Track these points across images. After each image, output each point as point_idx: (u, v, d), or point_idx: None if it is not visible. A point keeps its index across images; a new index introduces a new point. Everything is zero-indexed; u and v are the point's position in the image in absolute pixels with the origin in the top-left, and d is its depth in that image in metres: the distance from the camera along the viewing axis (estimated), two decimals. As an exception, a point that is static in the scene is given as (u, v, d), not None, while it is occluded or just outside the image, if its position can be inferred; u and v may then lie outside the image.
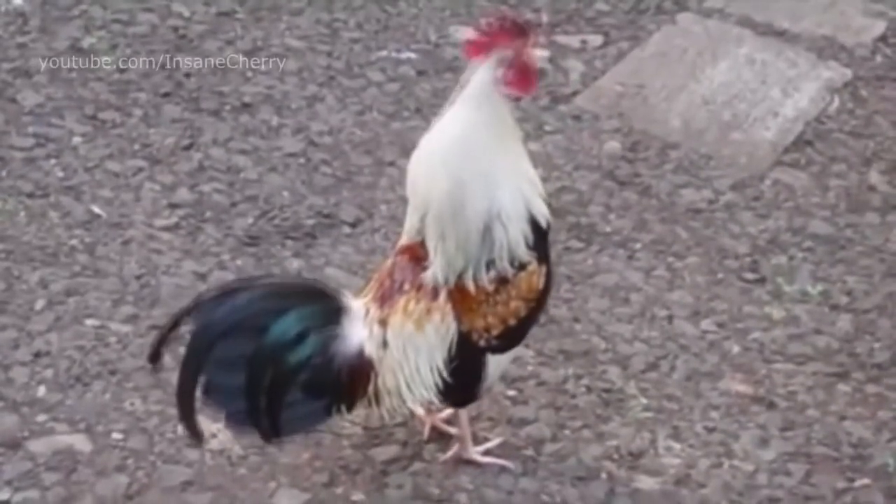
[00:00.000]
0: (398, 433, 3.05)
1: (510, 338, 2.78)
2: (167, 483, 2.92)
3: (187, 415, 2.64)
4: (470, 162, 2.62)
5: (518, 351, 2.90)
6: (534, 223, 2.69)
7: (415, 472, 2.97)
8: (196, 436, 2.70)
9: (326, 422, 2.83)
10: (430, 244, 2.69)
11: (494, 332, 2.74)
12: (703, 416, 3.16)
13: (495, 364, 2.80)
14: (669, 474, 3.02)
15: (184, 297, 3.26)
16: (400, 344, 2.71)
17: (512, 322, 2.75)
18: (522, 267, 2.71)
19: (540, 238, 2.72)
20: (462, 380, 2.77)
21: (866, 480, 3.03)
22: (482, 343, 2.74)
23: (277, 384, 2.64)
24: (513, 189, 2.66)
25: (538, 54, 2.65)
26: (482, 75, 2.62)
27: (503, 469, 2.98)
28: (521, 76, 2.65)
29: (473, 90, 2.63)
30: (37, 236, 3.49)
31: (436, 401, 2.79)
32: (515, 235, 2.68)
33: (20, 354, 3.17)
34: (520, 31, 2.63)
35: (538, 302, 2.77)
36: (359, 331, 2.71)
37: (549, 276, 2.77)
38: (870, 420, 3.17)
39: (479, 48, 2.63)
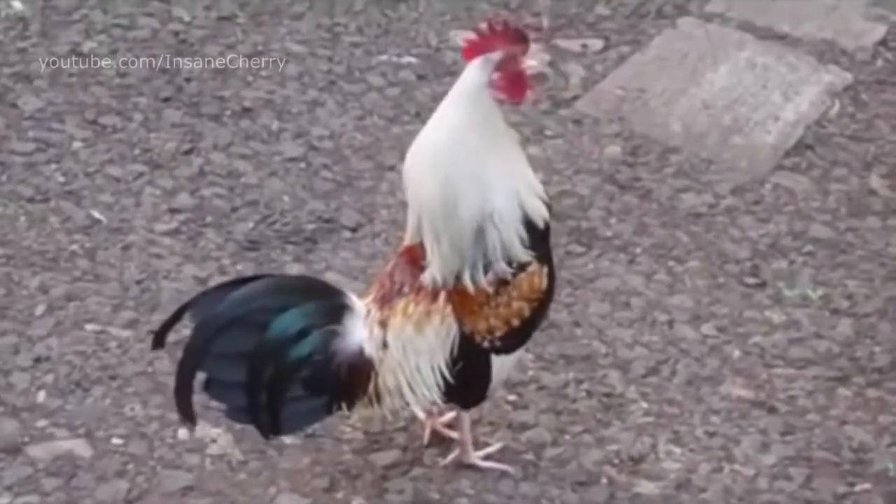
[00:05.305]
0: (398, 438, 3.05)
1: (515, 338, 2.77)
2: (167, 488, 2.92)
3: (183, 396, 2.63)
4: (460, 162, 2.62)
5: (521, 353, 2.90)
6: (530, 224, 2.68)
7: (415, 477, 2.97)
8: (189, 417, 2.68)
9: (327, 419, 2.84)
10: (427, 245, 2.69)
11: (498, 334, 2.73)
12: (704, 420, 3.15)
13: (501, 365, 2.80)
14: (670, 479, 3.01)
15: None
16: (400, 345, 2.71)
17: (516, 323, 2.74)
18: (522, 268, 2.70)
19: (539, 238, 2.71)
20: (468, 381, 2.77)
21: (867, 485, 3.03)
22: (486, 344, 2.74)
23: (278, 380, 2.65)
24: (506, 189, 2.65)
25: (534, 63, 2.63)
26: (470, 76, 2.62)
27: (503, 474, 2.98)
28: (512, 82, 2.63)
29: (461, 91, 2.63)
30: (37, 241, 3.49)
31: (439, 401, 2.79)
32: (509, 236, 2.66)
33: (20, 360, 3.17)
34: (518, 36, 2.62)
35: (542, 302, 2.76)
36: (360, 330, 2.71)
37: (552, 276, 2.76)
38: (870, 424, 3.17)
39: (475, 49, 2.62)
